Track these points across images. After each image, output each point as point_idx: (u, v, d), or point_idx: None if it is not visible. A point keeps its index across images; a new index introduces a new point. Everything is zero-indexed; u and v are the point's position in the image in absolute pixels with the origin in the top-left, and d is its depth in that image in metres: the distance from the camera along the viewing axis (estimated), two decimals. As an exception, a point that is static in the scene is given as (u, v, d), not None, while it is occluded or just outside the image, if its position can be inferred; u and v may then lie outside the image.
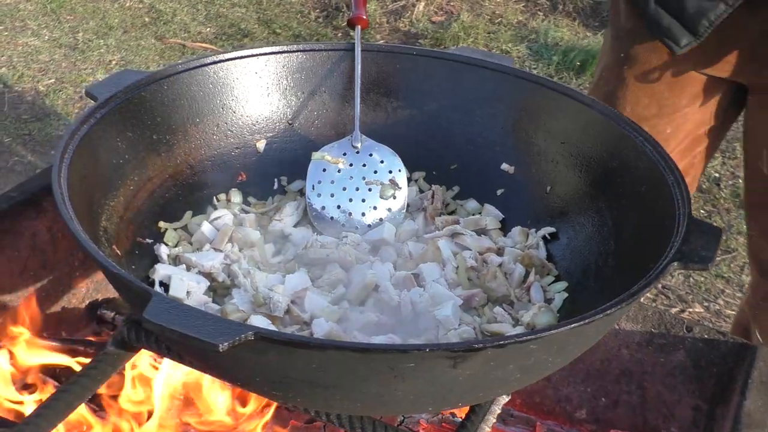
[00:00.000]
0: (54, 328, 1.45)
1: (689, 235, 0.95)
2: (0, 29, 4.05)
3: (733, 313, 2.74)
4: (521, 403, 1.43)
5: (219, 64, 1.27)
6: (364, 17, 1.29)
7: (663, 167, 1.08)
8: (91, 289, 1.55)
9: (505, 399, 1.09)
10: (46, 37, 4.03)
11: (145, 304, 0.80)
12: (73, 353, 1.35)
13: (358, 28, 1.28)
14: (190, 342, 0.78)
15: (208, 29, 4.19)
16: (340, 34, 4.21)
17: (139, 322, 1.09)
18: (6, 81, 3.67)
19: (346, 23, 1.32)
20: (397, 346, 0.84)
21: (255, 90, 1.29)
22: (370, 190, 1.25)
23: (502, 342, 0.81)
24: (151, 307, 0.80)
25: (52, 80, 3.71)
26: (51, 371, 1.35)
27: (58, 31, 4.09)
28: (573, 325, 0.83)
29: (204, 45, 4.04)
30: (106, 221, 1.08)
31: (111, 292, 1.59)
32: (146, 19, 4.24)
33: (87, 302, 1.54)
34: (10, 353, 1.29)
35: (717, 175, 3.31)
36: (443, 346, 0.81)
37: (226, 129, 1.28)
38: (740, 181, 3.26)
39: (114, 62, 3.88)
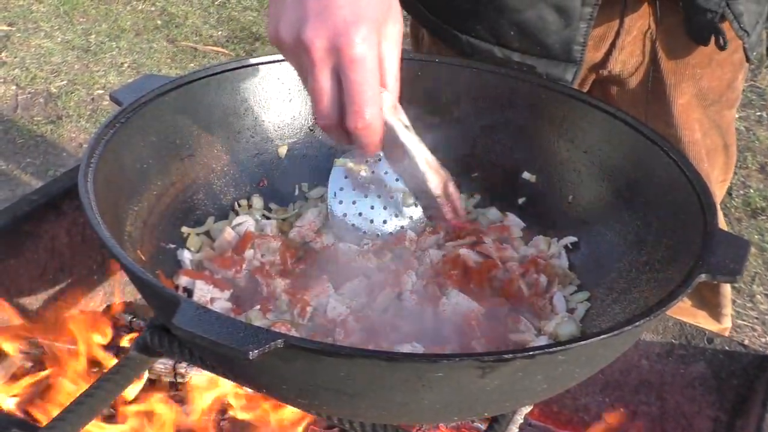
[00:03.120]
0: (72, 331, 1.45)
1: (716, 247, 0.95)
2: (13, 30, 4.06)
3: (744, 323, 2.74)
4: (539, 413, 1.43)
5: (242, 70, 1.27)
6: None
7: (688, 178, 1.08)
8: (108, 293, 1.55)
9: (527, 409, 1.09)
10: (59, 39, 4.04)
11: (173, 310, 0.80)
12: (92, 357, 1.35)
13: (382, 35, 1.28)
14: (219, 349, 0.78)
15: (220, 32, 4.19)
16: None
17: (162, 327, 1.09)
18: (19, 82, 3.68)
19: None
20: (427, 356, 0.84)
21: (277, 96, 1.29)
22: (391, 197, 1.24)
23: (531, 352, 0.81)
24: (180, 314, 0.80)
25: (65, 82, 3.72)
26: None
27: (70, 33, 4.10)
28: (602, 337, 0.83)
29: (216, 48, 4.05)
30: (131, 226, 1.08)
31: (127, 296, 1.59)
32: (158, 22, 4.25)
33: (104, 306, 1.54)
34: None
35: (728, 184, 3.31)
36: (473, 355, 0.81)
37: (248, 135, 1.28)
38: (751, 190, 3.26)
39: (126, 65, 3.89)
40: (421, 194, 1.11)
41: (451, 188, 1.07)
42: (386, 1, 0.92)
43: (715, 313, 1.78)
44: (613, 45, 1.43)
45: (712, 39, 1.33)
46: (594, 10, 1.32)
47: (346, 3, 0.88)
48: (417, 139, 1.03)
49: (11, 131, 3.38)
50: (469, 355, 0.85)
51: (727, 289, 1.78)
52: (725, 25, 1.34)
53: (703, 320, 1.75)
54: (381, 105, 0.94)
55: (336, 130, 0.96)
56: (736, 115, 3.59)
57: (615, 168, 1.20)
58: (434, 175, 1.06)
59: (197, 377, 1.33)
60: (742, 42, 1.37)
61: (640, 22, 1.40)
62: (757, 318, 2.76)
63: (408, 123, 1.02)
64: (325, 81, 0.91)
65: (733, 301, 2.79)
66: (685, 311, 1.72)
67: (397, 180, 1.25)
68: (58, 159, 3.25)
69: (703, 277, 0.91)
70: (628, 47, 1.43)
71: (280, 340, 0.77)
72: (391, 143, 1.01)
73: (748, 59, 1.42)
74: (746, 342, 2.54)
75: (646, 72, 1.46)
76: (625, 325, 0.84)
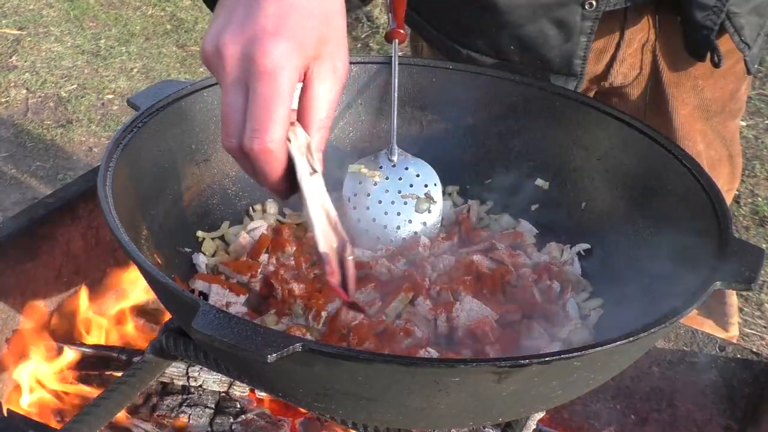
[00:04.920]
0: (84, 335, 1.46)
1: (731, 255, 0.95)
2: (23, 35, 4.08)
3: (752, 332, 2.74)
4: (549, 419, 1.43)
5: (257, 76, 1.27)
6: (402, 31, 1.30)
7: (702, 186, 1.09)
8: (121, 296, 1.56)
9: (539, 415, 1.10)
10: (69, 44, 4.06)
11: (192, 314, 0.81)
12: (105, 359, 1.36)
13: (396, 41, 1.28)
14: (238, 353, 0.78)
15: (229, 38, 4.20)
16: (359, 45, 4.23)
17: (177, 330, 1.09)
18: (29, 86, 3.70)
19: (383, 37, 1.32)
20: (444, 361, 0.84)
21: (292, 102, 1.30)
22: (405, 203, 1.25)
23: (547, 358, 0.81)
24: (200, 318, 0.80)
25: (75, 86, 3.73)
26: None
27: (80, 37, 4.12)
28: (618, 343, 0.83)
29: (225, 54, 4.06)
30: (147, 230, 1.09)
31: (139, 300, 1.60)
32: (168, 27, 4.27)
33: (116, 309, 1.54)
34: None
35: (736, 192, 3.31)
36: (490, 361, 0.82)
37: (263, 140, 1.29)
38: (759, 199, 3.26)
39: (135, 69, 3.90)
40: (315, 250, 0.94)
41: (348, 254, 0.92)
42: (323, 32, 0.85)
43: (722, 322, 1.79)
44: (614, 57, 1.44)
45: (708, 55, 1.34)
46: (594, 24, 1.32)
47: (271, 14, 0.82)
48: (321, 190, 0.91)
49: (21, 135, 3.40)
50: (486, 360, 0.85)
51: (733, 298, 1.78)
52: (725, 38, 1.35)
53: (709, 329, 1.75)
54: (286, 133, 0.84)
55: (240, 155, 0.86)
56: (744, 124, 3.61)
57: (628, 175, 1.20)
58: (322, 233, 0.91)
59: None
60: (743, 54, 1.37)
61: (640, 35, 1.41)
62: (765, 327, 2.76)
63: (319, 170, 0.90)
64: (234, 94, 0.83)
65: (741, 310, 2.79)
66: (691, 320, 1.73)
67: (411, 186, 1.26)
68: (68, 163, 3.26)
69: (718, 284, 0.92)
70: (629, 59, 1.44)
71: (298, 344, 0.78)
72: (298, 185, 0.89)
73: (749, 71, 1.42)
74: (754, 350, 2.55)
75: (647, 84, 1.47)
76: (641, 332, 0.84)
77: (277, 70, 0.81)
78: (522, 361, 0.80)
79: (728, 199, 1.72)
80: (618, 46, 1.41)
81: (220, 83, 0.85)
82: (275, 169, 0.86)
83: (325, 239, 0.91)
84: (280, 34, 0.81)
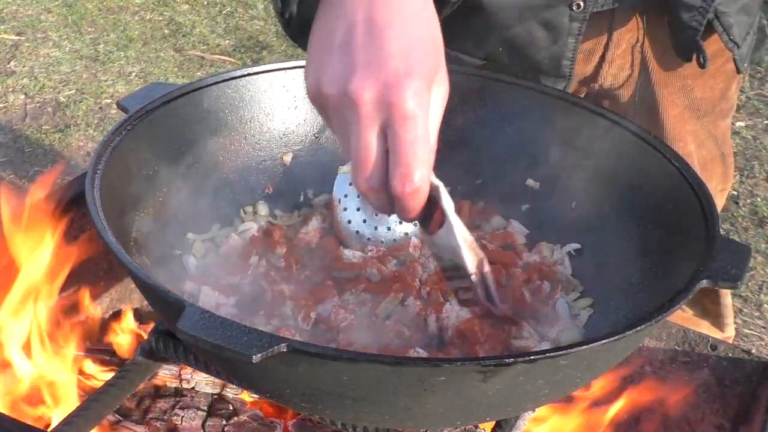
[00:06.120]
0: (78, 337, 1.46)
1: (718, 254, 0.95)
2: (22, 40, 4.09)
3: (752, 332, 2.74)
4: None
5: (247, 78, 1.28)
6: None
7: (690, 185, 1.09)
8: (115, 299, 1.56)
9: (531, 414, 1.10)
10: (67, 49, 4.06)
11: (178, 314, 0.81)
12: (98, 363, 1.36)
13: (386, 43, 1.29)
14: (223, 353, 0.78)
15: (227, 41, 4.22)
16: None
17: (167, 332, 1.10)
18: (27, 92, 3.70)
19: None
20: (429, 360, 0.84)
21: (282, 103, 1.31)
22: (396, 204, 1.25)
23: (532, 357, 0.81)
24: (185, 318, 0.81)
25: (73, 91, 3.74)
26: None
27: (79, 42, 4.12)
28: (603, 342, 0.83)
29: (223, 57, 4.07)
30: (137, 232, 1.09)
31: (134, 302, 1.60)
32: (166, 32, 4.27)
33: (110, 312, 1.55)
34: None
35: (735, 193, 3.31)
36: (474, 359, 0.82)
37: (254, 142, 1.30)
38: (758, 199, 3.26)
39: (134, 74, 3.91)
40: (453, 272, 0.99)
41: (486, 268, 0.98)
42: (437, 57, 0.85)
43: (718, 322, 1.79)
44: (602, 58, 1.44)
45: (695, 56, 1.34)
46: (582, 25, 1.32)
47: (398, 53, 0.80)
48: (453, 207, 0.93)
49: (20, 140, 3.40)
50: (470, 359, 0.85)
51: (728, 298, 1.78)
52: (715, 37, 1.35)
53: (706, 330, 1.75)
54: (430, 167, 0.85)
55: (379, 195, 0.86)
56: (743, 124, 3.60)
57: (618, 175, 1.20)
58: (470, 252, 0.96)
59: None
60: (732, 53, 1.37)
61: (628, 36, 1.41)
62: (764, 327, 2.76)
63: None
64: (371, 139, 0.82)
65: (740, 310, 2.79)
66: (687, 321, 1.73)
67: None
68: (66, 168, 3.27)
69: (704, 282, 0.92)
70: (617, 60, 1.44)
71: (283, 344, 0.78)
72: (428, 208, 0.90)
73: (738, 71, 1.42)
74: (753, 351, 2.55)
75: (637, 85, 1.47)
76: (626, 330, 0.84)
77: (417, 112, 0.80)
78: (507, 360, 0.80)
79: (722, 199, 1.72)
80: (606, 47, 1.41)
81: (351, 127, 0.83)
82: (420, 204, 0.86)
83: (470, 258, 0.95)
84: (413, 75, 0.80)
